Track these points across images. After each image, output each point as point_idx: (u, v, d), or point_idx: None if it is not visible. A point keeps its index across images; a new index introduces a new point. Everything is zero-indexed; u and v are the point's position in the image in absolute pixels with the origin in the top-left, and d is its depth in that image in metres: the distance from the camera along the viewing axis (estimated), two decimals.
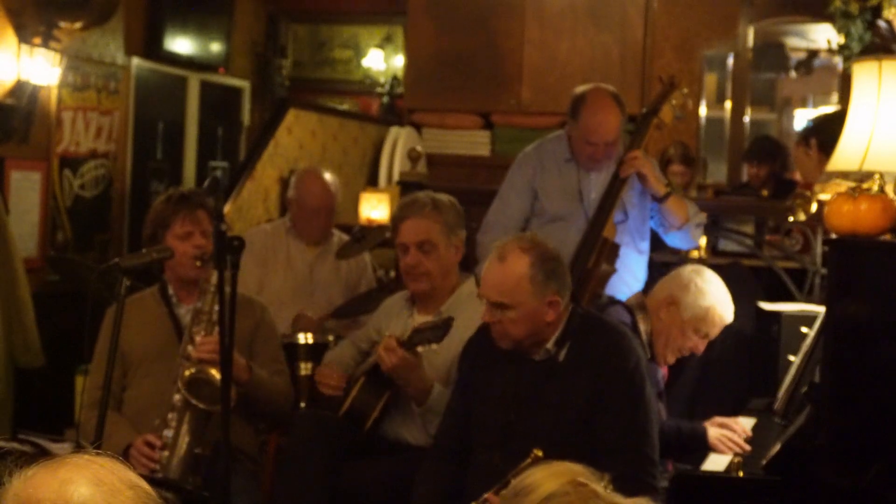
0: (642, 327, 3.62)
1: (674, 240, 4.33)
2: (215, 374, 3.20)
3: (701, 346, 3.68)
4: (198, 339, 3.33)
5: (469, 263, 4.80)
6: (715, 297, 3.63)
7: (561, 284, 3.06)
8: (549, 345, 3.07)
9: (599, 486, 1.74)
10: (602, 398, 3.00)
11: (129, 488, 1.34)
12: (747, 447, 3.34)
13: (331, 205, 4.62)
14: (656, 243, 4.45)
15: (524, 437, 2.95)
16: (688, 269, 3.74)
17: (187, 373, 3.26)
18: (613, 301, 3.82)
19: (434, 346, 3.36)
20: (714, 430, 3.47)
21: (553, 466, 1.83)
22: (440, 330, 3.30)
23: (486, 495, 2.82)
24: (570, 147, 4.25)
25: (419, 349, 3.35)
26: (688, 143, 6.45)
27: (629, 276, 4.18)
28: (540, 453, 2.84)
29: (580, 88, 4.24)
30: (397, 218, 3.68)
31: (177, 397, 3.29)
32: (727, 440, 3.42)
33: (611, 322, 3.32)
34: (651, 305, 3.67)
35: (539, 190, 4.27)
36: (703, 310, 3.61)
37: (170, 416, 3.29)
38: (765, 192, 6.66)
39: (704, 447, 3.45)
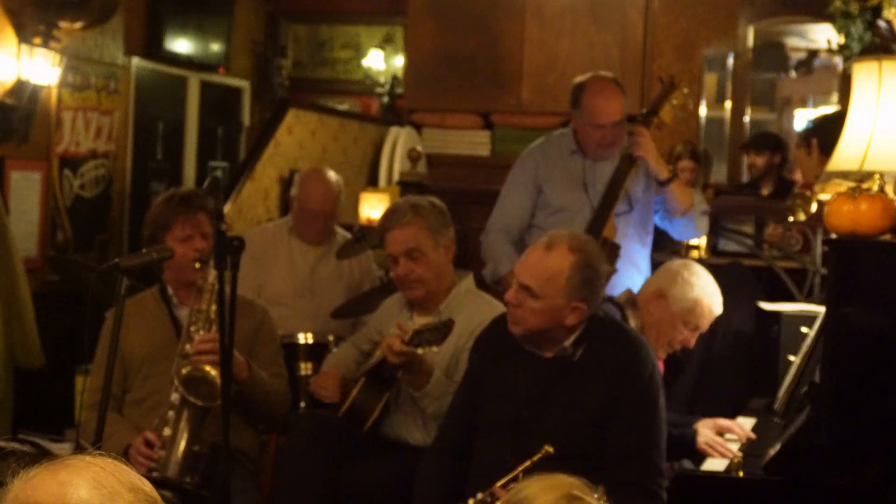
0: (632, 323, 3.61)
1: (679, 229, 4.33)
2: (211, 371, 3.20)
3: (692, 340, 3.69)
4: (196, 337, 3.33)
5: (470, 262, 4.80)
6: (702, 289, 3.63)
7: (591, 294, 3.05)
8: (567, 343, 3.06)
9: (593, 499, 1.74)
10: (616, 405, 2.99)
11: (129, 491, 1.34)
12: (735, 452, 3.31)
13: (331, 209, 4.61)
14: (656, 243, 4.46)
15: (536, 435, 2.95)
16: (676, 263, 3.74)
17: (184, 371, 3.26)
18: (603, 298, 3.82)
19: (435, 349, 3.35)
20: (704, 435, 3.44)
21: (547, 479, 1.84)
22: (441, 332, 3.30)
23: (492, 488, 2.83)
24: (577, 139, 4.26)
25: (420, 351, 3.34)
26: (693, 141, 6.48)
27: (633, 269, 4.19)
28: (551, 449, 2.84)
29: (578, 78, 4.27)
30: (381, 230, 3.67)
31: (174, 396, 3.29)
32: (716, 445, 3.40)
33: (629, 329, 3.31)
34: (641, 301, 3.68)
35: (543, 182, 4.27)
36: (691, 302, 3.61)
37: (168, 414, 3.29)
38: (765, 192, 6.66)
39: (692, 451, 3.44)
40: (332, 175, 4.64)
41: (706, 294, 3.63)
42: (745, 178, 7.30)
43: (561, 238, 3.07)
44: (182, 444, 3.25)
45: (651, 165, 4.15)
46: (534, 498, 1.78)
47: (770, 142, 6.98)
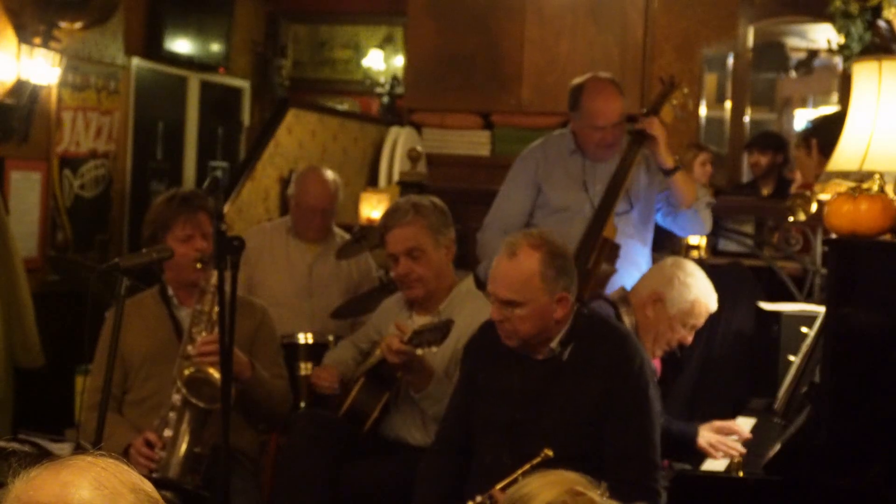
0: (626, 321, 3.61)
1: (684, 224, 4.32)
2: (214, 373, 3.20)
3: (689, 338, 3.70)
4: (198, 338, 3.32)
5: (469, 262, 4.80)
6: (699, 290, 3.64)
7: (570, 281, 3.06)
8: (554, 344, 3.06)
9: (596, 495, 1.74)
10: (608, 401, 3.00)
11: (130, 491, 1.34)
12: (739, 450, 3.32)
13: (328, 206, 4.61)
14: (656, 242, 4.46)
15: (532, 437, 2.96)
16: (668, 264, 3.73)
17: (187, 372, 3.26)
18: (596, 295, 3.82)
19: (434, 349, 3.35)
20: (705, 434, 3.44)
21: (550, 475, 1.83)
22: (440, 332, 3.30)
23: (491, 491, 2.83)
24: (576, 141, 4.26)
25: (419, 352, 3.35)
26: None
27: (634, 269, 4.18)
28: (550, 453, 2.84)
29: (577, 79, 4.27)
30: (382, 229, 3.67)
31: (176, 397, 3.29)
32: (719, 444, 3.40)
33: (616, 324, 3.32)
34: (635, 302, 3.67)
35: (543, 182, 4.27)
36: (688, 304, 3.62)
37: (170, 415, 3.29)
38: (765, 191, 6.68)
39: (692, 449, 3.44)
40: (328, 173, 4.64)
41: (703, 294, 3.64)
42: (745, 177, 7.31)
43: (519, 240, 3.07)
44: (183, 446, 3.25)
45: (659, 150, 4.14)
46: (535, 494, 1.77)
47: (774, 141, 7.02)
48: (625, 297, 3.72)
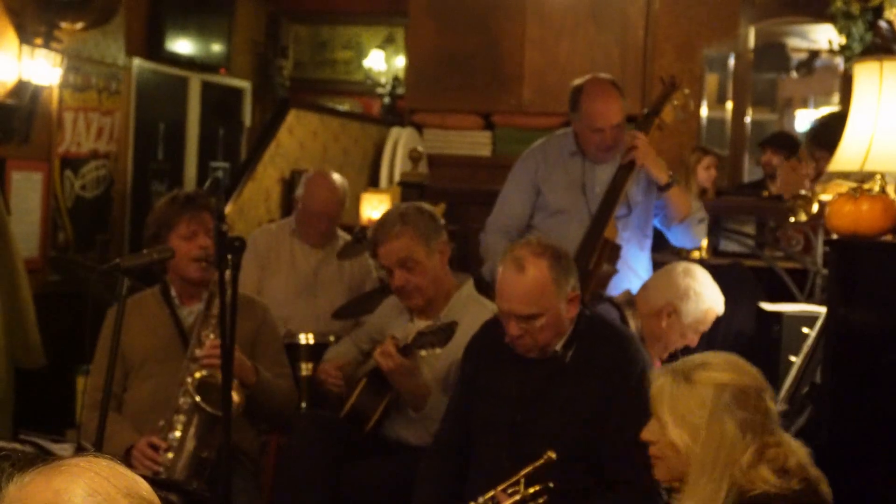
0: (631, 324, 3.62)
1: (677, 236, 4.32)
2: None
3: (695, 341, 3.73)
4: (207, 342, 3.31)
5: (470, 263, 4.80)
6: (710, 298, 3.67)
7: (575, 279, 3.07)
8: (557, 346, 3.06)
9: (773, 406, 1.80)
10: (609, 404, 2.99)
11: (124, 497, 1.33)
12: None
13: (334, 211, 4.59)
14: (658, 244, 4.45)
15: (532, 438, 2.96)
16: (679, 273, 3.72)
17: (198, 375, 3.24)
18: (601, 298, 3.82)
19: (437, 351, 3.35)
20: None
21: (734, 359, 1.89)
22: (444, 334, 3.29)
23: (494, 492, 2.83)
24: (577, 141, 4.25)
25: (422, 353, 3.34)
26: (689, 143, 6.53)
27: (630, 273, 4.17)
28: (554, 455, 2.84)
29: (577, 81, 4.25)
30: (374, 243, 3.66)
31: (183, 400, 3.26)
32: None
33: (617, 325, 3.32)
34: (644, 309, 3.67)
35: (542, 184, 4.26)
36: (702, 313, 3.66)
37: (176, 418, 3.27)
38: (766, 193, 6.68)
39: None
40: (336, 178, 4.62)
41: (714, 301, 3.69)
42: (746, 177, 7.31)
43: (522, 253, 3.04)
44: (190, 449, 3.23)
45: (651, 172, 4.13)
46: (719, 368, 1.97)
47: (789, 142, 7.03)
48: (630, 300, 3.73)
